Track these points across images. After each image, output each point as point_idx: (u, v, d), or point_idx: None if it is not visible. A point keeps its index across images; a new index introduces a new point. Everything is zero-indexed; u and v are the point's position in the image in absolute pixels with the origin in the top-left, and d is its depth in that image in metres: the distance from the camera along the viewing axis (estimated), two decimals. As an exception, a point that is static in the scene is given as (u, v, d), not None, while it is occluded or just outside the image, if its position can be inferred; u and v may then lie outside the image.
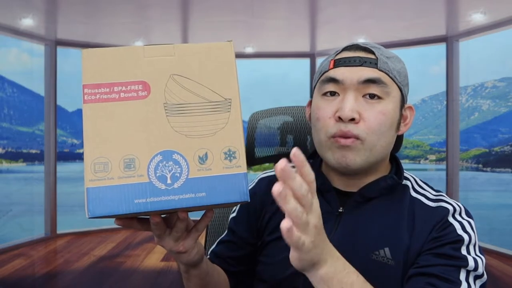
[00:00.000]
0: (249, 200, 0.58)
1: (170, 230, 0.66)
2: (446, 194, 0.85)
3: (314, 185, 0.55)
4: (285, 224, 0.52)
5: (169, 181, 0.57)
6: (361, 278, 0.66)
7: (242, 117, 0.60)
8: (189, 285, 0.80)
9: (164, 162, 0.57)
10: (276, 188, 0.51)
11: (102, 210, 0.55)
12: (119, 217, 0.60)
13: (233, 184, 0.57)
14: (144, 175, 0.56)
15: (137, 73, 0.59)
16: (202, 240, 1.02)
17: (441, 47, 4.74)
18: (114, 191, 0.56)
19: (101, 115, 0.57)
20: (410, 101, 0.86)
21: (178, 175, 0.57)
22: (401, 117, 0.84)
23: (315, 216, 0.56)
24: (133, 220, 0.63)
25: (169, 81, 0.59)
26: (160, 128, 0.58)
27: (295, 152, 0.52)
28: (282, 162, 0.51)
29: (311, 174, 0.54)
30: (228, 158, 0.58)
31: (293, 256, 0.58)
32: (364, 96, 0.78)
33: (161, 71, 0.59)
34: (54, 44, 4.83)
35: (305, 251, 0.57)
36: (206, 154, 0.58)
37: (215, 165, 0.58)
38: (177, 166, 0.57)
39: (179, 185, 0.57)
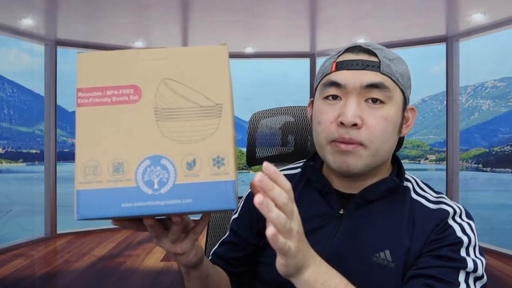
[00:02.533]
0: (235, 208, 0.58)
1: (167, 231, 0.66)
2: (446, 194, 0.85)
3: (291, 193, 0.57)
4: (269, 231, 0.54)
5: (156, 186, 0.56)
6: (344, 281, 0.67)
7: (234, 123, 0.59)
8: (189, 286, 0.80)
9: (152, 167, 0.57)
10: (258, 199, 0.53)
11: (91, 213, 0.56)
12: (111, 219, 0.60)
13: (220, 191, 0.57)
14: (132, 180, 0.57)
15: (130, 77, 0.59)
16: (202, 240, 1.02)
17: (441, 47, 4.74)
18: (103, 194, 0.56)
19: (92, 119, 0.58)
20: (410, 101, 0.86)
21: (165, 180, 0.57)
22: (403, 119, 0.83)
23: (296, 223, 0.58)
24: (126, 222, 0.64)
25: (160, 85, 0.59)
26: (149, 132, 0.58)
27: (266, 165, 0.55)
28: (258, 175, 0.54)
29: (286, 183, 0.56)
30: (217, 165, 0.57)
31: (279, 262, 0.60)
32: (366, 100, 0.77)
33: (153, 75, 0.59)
34: (54, 44, 4.83)
35: (291, 256, 0.58)
36: (194, 160, 0.57)
37: (202, 172, 0.57)
38: (164, 172, 0.57)
39: (166, 190, 0.56)
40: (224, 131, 0.58)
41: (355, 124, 0.76)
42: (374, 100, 0.77)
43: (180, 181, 0.57)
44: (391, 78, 0.78)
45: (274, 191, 0.54)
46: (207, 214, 0.65)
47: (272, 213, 0.54)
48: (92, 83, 0.59)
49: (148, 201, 0.56)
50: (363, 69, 0.78)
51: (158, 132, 0.58)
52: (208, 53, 0.60)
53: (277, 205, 0.55)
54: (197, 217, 0.66)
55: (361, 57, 0.79)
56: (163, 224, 0.66)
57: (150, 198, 0.56)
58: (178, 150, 0.57)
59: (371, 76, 0.77)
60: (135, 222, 0.64)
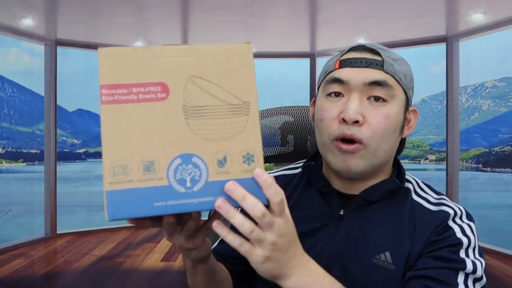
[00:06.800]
0: (267, 203, 0.57)
1: (181, 227, 0.66)
2: (446, 194, 0.85)
3: (281, 205, 0.57)
4: (214, 223, 0.57)
5: (188, 184, 0.57)
6: None
7: (260, 120, 0.60)
8: (194, 280, 0.79)
9: (184, 165, 0.57)
10: (217, 203, 0.55)
11: (122, 213, 0.55)
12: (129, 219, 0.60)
13: (251, 187, 0.57)
14: (164, 178, 0.56)
15: (156, 74, 0.58)
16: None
17: (441, 47, 4.74)
18: (134, 194, 0.56)
19: (119, 117, 0.57)
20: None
21: (197, 178, 0.57)
22: (405, 120, 0.83)
23: (275, 235, 0.57)
24: (147, 220, 0.63)
25: (188, 83, 0.58)
26: (179, 130, 0.57)
27: (258, 172, 0.56)
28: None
29: (277, 195, 0.56)
30: (247, 161, 0.58)
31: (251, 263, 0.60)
32: (369, 98, 0.78)
33: (180, 73, 0.58)
34: (54, 44, 4.83)
35: (257, 263, 0.59)
36: (225, 157, 0.58)
37: (233, 169, 0.58)
38: (196, 169, 0.57)
39: (199, 188, 0.57)
40: (252, 129, 0.59)
41: (356, 121, 0.76)
42: (377, 98, 0.78)
43: (212, 179, 0.57)
44: (394, 77, 0.79)
45: (246, 203, 0.55)
46: None
47: (235, 220, 0.56)
48: (116, 80, 0.57)
49: (182, 199, 0.56)
50: (367, 67, 0.78)
51: (188, 130, 0.57)
52: (233, 52, 0.60)
53: (252, 217, 0.56)
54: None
55: (365, 55, 0.80)
56: (177, 221, 0.66)
57: (184, 196, 0.56)
58: (208, 148, 0.58)
59: (374, 74, 0.78)
60: (152, 219, 0.64)
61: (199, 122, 0.58)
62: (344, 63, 0.80)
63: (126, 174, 0.56)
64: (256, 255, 0.58)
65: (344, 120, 0.77)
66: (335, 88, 0.79)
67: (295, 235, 0.62)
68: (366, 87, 0.77)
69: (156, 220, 0.63)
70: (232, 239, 0.58)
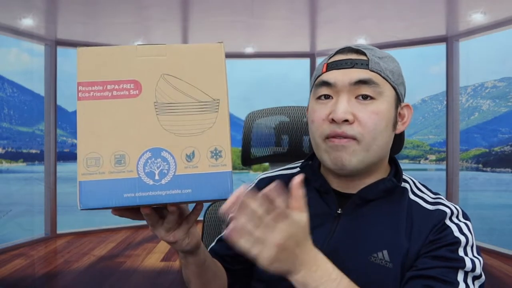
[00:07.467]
0: (231, 199, 0.60)
1: (163, 220, 0.69)
2: (446, 194, 0.86)
3: (285, 210, 0.60)
4: (226, 231, 0.61)
5: (157, 177, 0.60)
6: (342, 286, 0.66)
7: (229, 118, 0.63)
8: (186, 272, 0.82)
9: (153, 159, 0.60)
10: (224, 207, 0.59)
11: (93, 203, 0.59)
12: (112, 208, 0.63)
13: (218, 181, 0.60)
14: (134, 171, 0.60)
15: (130, 72, 0.61)
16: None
17: (441, 47, 4.74)
18: (105, 185, 0.59)
19: (94, 112, 0.60)
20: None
21: (165, 171, 0.60)
22: (398, 116, 0.84)
23: (278, 236, 0.60)
24: (126, 211, 0.66)
25: (160, 81, 0.61)
26: (150, 126, 0.60)
27: (296, 181, 0.61)
28: (239, 191, 0.59)
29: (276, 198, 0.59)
30: (214, 156, 0.61)
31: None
32: (357, 97, 0.79)
33: (153, 71, 0.61)
34: (54, 44, 4.83)
35: (264, 265, 0.61)
36: (193, 152, 0.61)
37: (201, 163, 0.61)
38: (165, 163, 0.60)
39: (167, 181, 0.60)
40: (221, 125, 0.61)
41: (346, 120, 0.78)
42: (365, 97, 0.79)
43: (180, 172, 0.60)
44: (380, 75, 0.80)
45: (253, 204, 0.58)
46: (200, 204, 0.68)
47: (238, 220, 0.59)
48: (93, 77, 0.61)
49: (150, 191, 0.59)
50: (352, 67, 0.80)
51: (159, 126, 0.60)
52: (205, 51, 0.63)
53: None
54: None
55: (350, 56, 0.82)
56: (160, 213, 0.69)
57: (152, 189, 0.59)
58: (177, 143, 0.60)
59: (360, 73, 0.79)
60: (133, 211, 0.67)
61: (169, 118, 0.61)
62: (331, 66, 0.82)
63: (98, 166, 0.59)
64: (262, 258, 0.60)
65: (334, 121, 0.78)
66: (324, 91, 0.81)
67: (305, 234, 0.63)
68: (353, 87, 0.79)
69: (137, 213, 0.66)
70: (244, 243, 0.60)
